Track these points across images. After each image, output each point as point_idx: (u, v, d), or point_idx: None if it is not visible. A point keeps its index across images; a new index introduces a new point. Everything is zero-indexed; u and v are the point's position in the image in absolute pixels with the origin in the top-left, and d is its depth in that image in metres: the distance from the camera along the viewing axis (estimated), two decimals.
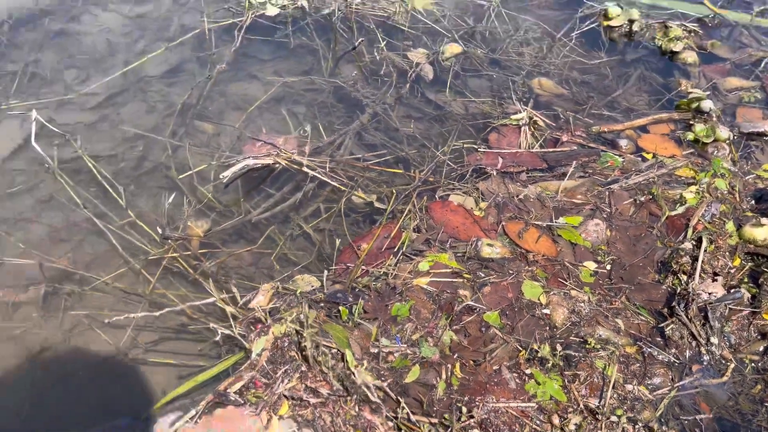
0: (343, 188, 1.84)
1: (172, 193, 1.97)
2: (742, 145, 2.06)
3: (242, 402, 1.29)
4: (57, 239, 1.89)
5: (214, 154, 2.06)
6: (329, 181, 1.83)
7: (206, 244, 1.76)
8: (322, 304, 1.51)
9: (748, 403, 1.41)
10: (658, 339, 1.52)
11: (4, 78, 2.35)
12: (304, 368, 1.33)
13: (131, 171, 2.07)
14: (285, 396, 1.28)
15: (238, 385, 1.32)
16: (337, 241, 1.68)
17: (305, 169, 1.84)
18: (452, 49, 2.35)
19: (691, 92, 2.20)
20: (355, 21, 2.48)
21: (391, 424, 1.28)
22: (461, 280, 1.61)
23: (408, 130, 2.11)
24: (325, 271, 1.57)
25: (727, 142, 2.04)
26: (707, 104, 2.13)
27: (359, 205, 1.86)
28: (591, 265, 1.68)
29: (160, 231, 1.65)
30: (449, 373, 1.41)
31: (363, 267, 1.61)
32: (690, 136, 2.06)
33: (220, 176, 1.79)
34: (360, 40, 2.31)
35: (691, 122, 2.11)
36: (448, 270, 1.62)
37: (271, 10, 2.42)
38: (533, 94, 2.26)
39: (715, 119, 2.12)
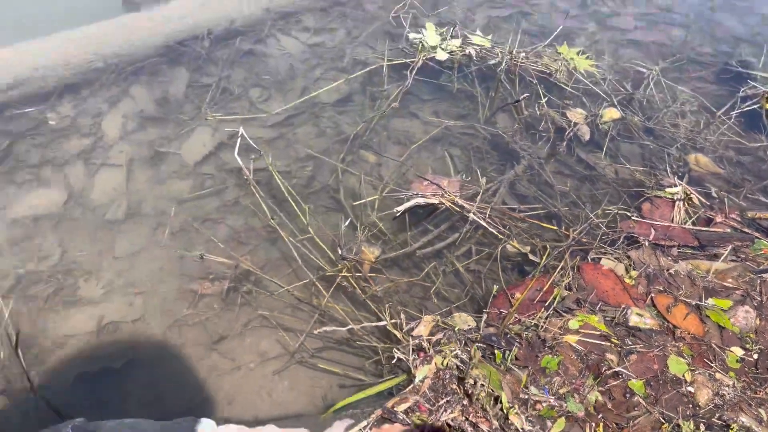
0: (499, 236, 1.98)
1: (338, 214, 2.19)
2: None
3: (408, 422, 1.44)
4: (237, 241, 2.14)
5: (378, 185, 2.25)
6: (488, 227, 1.97)
7: (374, 268, 1.94)
8: (477, 344, 1.65)
9: None
10: None
11: (200, 89, 2.67)
12: (465, 402, 1.48)
13: (302, 188, 2.31)
14: (448, 424, 1.43)
15: (404, 406, 1.48)
16: (494, 287, 1.81)
17: (466, 213, 1.99)
18: (610, 113, 2.44)
19: None
20: (518, 74, 2.62)
21: None
22: (609, 344, 1.70)
23: (563, 188, 2.21)
24: (484, 315, 1.71)
25: None
26: None
27: (511, 254, 1.99)
28: (738, 351, 1.72)
29: (339, 251, 1.85)
30: (595, 426, 1.51)
31: (516, 315, 1.74)
32: None
33: (394, 210, 1.97)
34: (525, 95, 2.45)
35: None
36: (597, 332, 1.72)
37: (441, 55, 2.60)
38: (688, 169, 2.31)
39: None
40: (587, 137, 2.39)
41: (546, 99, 2.49)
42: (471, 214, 1.95)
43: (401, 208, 1.95)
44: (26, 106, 2.47)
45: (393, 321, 1.67)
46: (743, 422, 1.55)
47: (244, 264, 2.00)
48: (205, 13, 2.83)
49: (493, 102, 2.60)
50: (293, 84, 2.72)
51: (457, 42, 2.66)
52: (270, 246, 2.13)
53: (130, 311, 1.95)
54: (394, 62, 2.70)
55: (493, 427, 1.43)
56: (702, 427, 1.53)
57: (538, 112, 2.47)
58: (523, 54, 2.61)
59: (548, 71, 2.58)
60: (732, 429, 1.53)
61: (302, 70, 2.80)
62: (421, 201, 1.97)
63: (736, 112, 2.53)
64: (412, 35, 2.71)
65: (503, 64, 2.58)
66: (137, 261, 2.07)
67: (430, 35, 2.66)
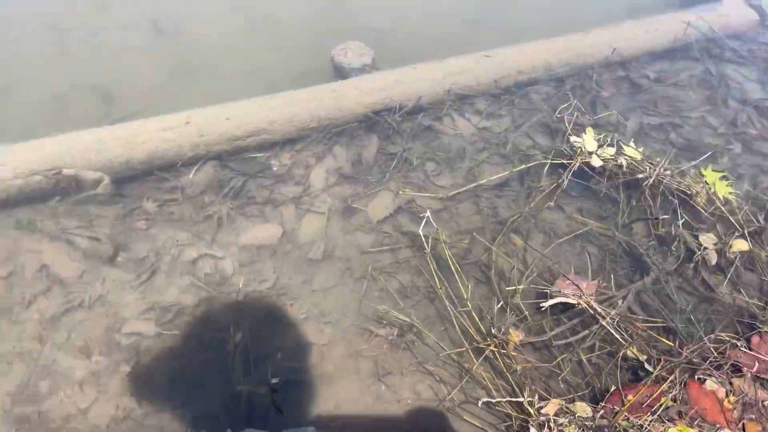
0: (623, 341, 2.41)
1: (485, 286, 2.70)
2: None
3: None
4: (403, 294, 2.71)
5: (524, 271, 2.74)
6: (615, 333, 2.41)
7: (515, 348, 2.45)
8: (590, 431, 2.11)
9: None
10: None
11: (386, 156, 3.26)
12: None
13: (459, 258, 2.83)
14: None
15: None
16: (611, 386, 2.26)
17: (599, 316, 2.44)
18: (739, 245, 2.77)
19: None
20: (661, 191, 3.00)
21: None
22: None
23: (683, 306, 2.60)
24: (600, 409, 2.16)
25: None
26: None
27: (629, 358, 2.42)
28: None
29: (492, 330, 2.37)
30: None
31: (626, 414, 2.18)
32: None
33: (541, 304, 2.46)
34: (664, 216, 2.84)
35: None
36: None
37: (596, 161, 3.03)
38: None
39: None
40: (713, 262, 2.74)
41: (683, 220, 2.85)
42: (603, 321, 2.39)
43: (547, 304, 2.43)
44: (258, 152, 3.17)
45: (529, 399, 2.16)
46: None
47: (410, 319, 2.56)
48: (399, 88, 3.41)
49: (632, 211, 3.00)
50: (461, 163, 3.25)
51: (612, 150, 3.07)
52: (429, 304, 2.68)
53: (321, 336, 2.56)
54: (554, 161, 3.15)
55: None
56: None
57: (673, 231, 2.85)
58: (668, 172, 2.99)
59: (689, 192, 2.94)
60: None
61: (470, 151, 3.33)
62: (561, 299, 2.43)
63: None
64: (573, 138, 3.15)
65: (650, 179, 2.96)
66: (328, 296, 2.69)
67: (588, 140, 3.09)
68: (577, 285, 2.53)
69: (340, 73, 3.58)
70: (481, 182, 3.09)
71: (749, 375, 2.33)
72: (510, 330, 2.42)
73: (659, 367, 2.33)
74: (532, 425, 2.08)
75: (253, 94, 3.25)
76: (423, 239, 2.69)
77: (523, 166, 3.17)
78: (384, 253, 2.86)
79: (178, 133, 3.01)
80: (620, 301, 2.56)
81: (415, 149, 3.32)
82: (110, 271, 2.67)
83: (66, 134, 2.93)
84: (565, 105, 3.50)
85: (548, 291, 2.53)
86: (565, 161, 3.14)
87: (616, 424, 2.14)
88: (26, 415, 2.25)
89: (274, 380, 2.34)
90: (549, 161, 3.15)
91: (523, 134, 3.42)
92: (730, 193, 2.97)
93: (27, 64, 3.72)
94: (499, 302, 2.57)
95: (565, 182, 3.04)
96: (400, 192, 3.04)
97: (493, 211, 3.06)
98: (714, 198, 2.94)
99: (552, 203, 3.02)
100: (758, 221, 2.90)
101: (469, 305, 2.54)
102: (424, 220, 2.66)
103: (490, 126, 3.46)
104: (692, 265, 2.76)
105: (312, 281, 2.74)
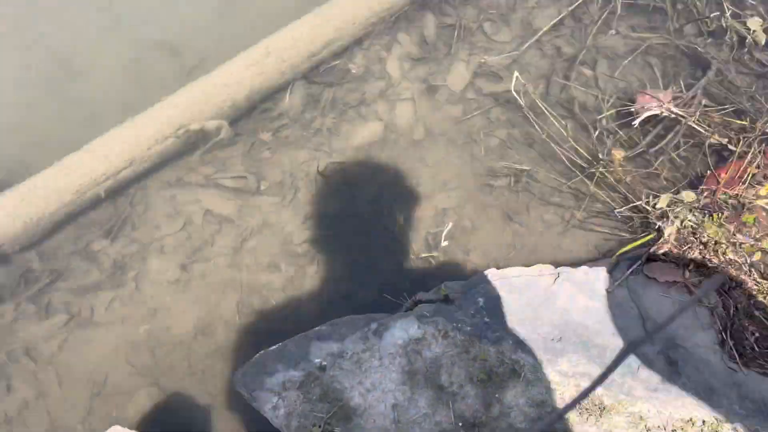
0: (705, 132, 2.86)
1: (572, 120, 3.12)
2: None
3: (665, 260, 2.50)
4: (506, 147, 3.15)
5: (601, 97, 3.14)
6: (699, 128, 2.85)
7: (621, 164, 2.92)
8: (700, 210, 2.64)
9: None
10: None
11: (446, 29, 3.54)
12: (700, 247, 2.50)
13: (541, 102, 3.23)
14: (692, 259, 2.47)
15: (661, 251, 2.53)
16: (707, 172, 2.75)
17: (682, 119, 2.88)
18: None
19: None
20: None
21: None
22: None
23: (747, 88, 3.00)
24: (701, 194, 2.67)
25: None
26: None
27: (712, 144, 2.88)
28: None
29: (600, 155, 2.83)
30: None
31: (723, 188, 2.69)
32: None
33: (633, 123, 2.89)
34: (713, 14, 3.15)
35: None
36: None
37: None
38: None
39: None
40: (763, 42, 3.09)
41: (730, 12, 3.16)
42: (686, 121, 2.83)
43: (638, 120, 2.86)
44: (334, 60, 3.48)
45: (645, 201, 2.68)
46: None
47: (519, 167, 3.03)
48: None
49: (679, 15, 3.30)
50: (515, 14, 3.53)
51: None
52: (530, 149, 3.13)
53: (449, 201, 3.07)
54: None
55: (720, 260, 2.46)
56: None
57: (723, 23, 3.17)
58: None
59: None
60: None
61: (519, 0, 3.58)
62: (648, 112, 2.86)
63: None
64: None
65: None
66: (443, 167, 3.15)
67: None
68: (655, 97, 2.93)
69: None
70: (544, 30, 3.38)
71: None
72: (612, 151, 2.88)
73: (740, 144, 2.79)
74: (651, 219, 2.61)
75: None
76: (516, 94, 3.07)
77: (575, 5, 3.42)
78: (475, 118, 3.26)
79: (263, 65, 3.32)
80: (694, 99, 2.97)
81: (468, 14, 3.58)
82: (261, 199, 3.15)
83: (170, 96, 3.26)
84: None
85: (633, 109, 2.94)
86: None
87: (717, 200, 2.65)
88: (253, 322, 2.85)
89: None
90: None
91: None
92: None
93: (90, 39, 3.94)
94: (595, 130, 3.00)
95: (619, 6, 3.32)
96: (482, 60, 3.36)
97: (557, 51, 3.39)
98: None
99: (614, 31, 3.33)
100: None
101: (570, 140, 2.98)
102: (514, 79, 3.01)
103: None
104: (745, 50, 3.12)
105: (425, 159, 3.18)
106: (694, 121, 2.83)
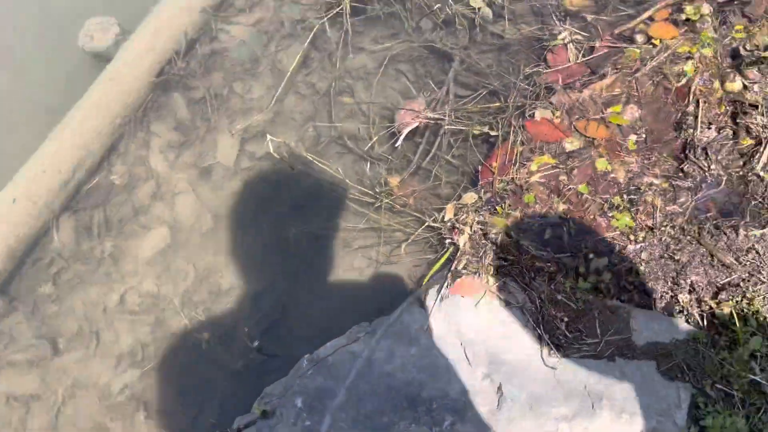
0: (465, 127, 2.88)
1: (349, 155, 3.06)
2: (720, 14, 2.93)
3: (468, 272, 2.49)
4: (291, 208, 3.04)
5: (371, 123, 3.09)
6: (456, 125, 2.87)
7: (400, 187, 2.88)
8: (484, 209, 2.65)
9: (736, 195, 2.52)
10: (680, 174, 2.61)
11: (198, 104, 3.35)
12: (493, 248, 2.51)
13: (313, 147, 3.14)
14: (489, 264, 2.48)
15: (462, 264, 2.52)
16: (479, 166, 2.77)
17: (440, 122, 2.88)
18: None
19: None
20: None
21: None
22: (558, 169, 2.70)
23: (487, 66, 3.06)
24: (481, 191, 2.68)
25: (709, 15, 2.92)
26: None
27: (479, 135, 2.91)
28: (633, 138, 2.72)
29: (376, 189, 2.78)
30: (569, 227, 2.56)
31: (498, 178, 2.72)
32: (683, 16, 2.94)
33: (395, 145, 2.85)
34: (437, 6, 3.18)
35: (682, 5, 2.98)
36: (549, 165, 2.71)
37: None
38: (567, 12, 3.13)
39: None
40: (491, 16, 3.16)
41: (449, 3, 3.21)
42: (445, 124, 2.84)
43: (399, 141, 2.83)
44: (92, 179, 3.20)
45: (432, 218, 2.65)
46: (646, 181, 2.61)
47: (313, 229, 2.92)
48: (162, 38, 3.39)
49: (412, 14, 3.31)
50: (260, 66, 3.40)
51: None
52: (318, 200, 3.03)
53: (257, 285, 2.91)
54: (330, 15, 3.34)
55: (513, 256, 2.48)
56: (625, 197, 2.58)
57: (450, 12, 3.21)
58: None
59: None
60: (642, 188, 2.58)
61: (259, 48, 3.45)
62: (407, 129, 2.83)
63: None
64: None
65: None
66: (240, 252, 2.99)
67: None
68: (411, 109, 2.91)
69: (103, 57, 3.46)
70: (289, 72, 3.27)
71: (560, 88, 2.88)
72: (388, 178, 2.84)
73: (500, 127, 2.83)
74: (444, 234, 2.59)
75: None
76: (277, 155, 2.94)
77: (310, 34, 3.34)
78: (257, 186, 3.11)
79: (12, 215, 2.99)
80: (448, 96, 2.98)
81: (214, 81, 3.41)
82: (63, 360, 2.84)
83: None
84: None
85: (396, 128, 2.91)
86: (337, 10, 3.33)
87: (497, 190, 2.68)
88: None
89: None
90: (324, 18, 3.34)
91: (293, 2, 3.54)
92: None
93: None
94: (367, 162, 2.94)
95: (348, 26, 3.27)
96: (233, 132, 3.20)
97: (313, 88, 3.30)
98: None
99: (351, 55, 3.28)
100: None
101: (348, 180, 2.90)
102: (267, 142, 2.88)
103: (261, 17, 3.54)
104: (477, 29, 3.18)
105: (221, 248, 3.00)
106: (451, 121, 2.83)
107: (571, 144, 2.73)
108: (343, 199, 2.91)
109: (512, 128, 2.81)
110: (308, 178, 3.01)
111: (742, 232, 2.40)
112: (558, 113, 2.82)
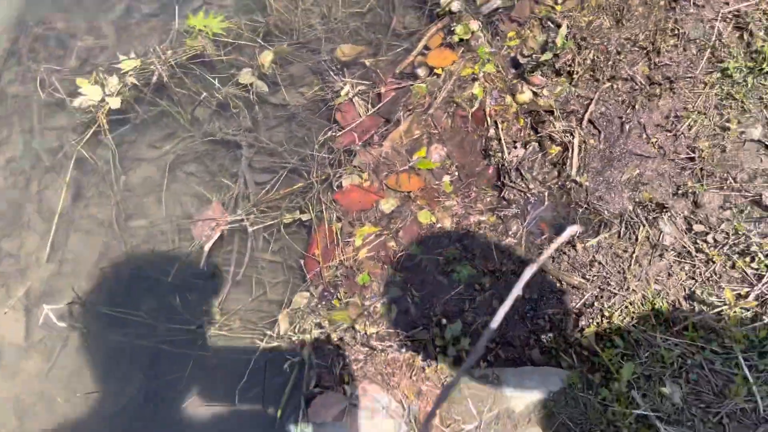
0: (274, 220, 2.57)
1: (163, 293, 2.64)
2: (490, 26, 2.87)
3: (323, 388, 2.18)
4: None
5: (174, 246, 2.69)
6: (265, 220, 2.55)
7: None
8: (320, 305, 2.35)
9: (562, 207, 2.43)
10: (504, 203, 2.48)
11: None
12: (341, 351, 2.22)
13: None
14: (342, 371, 2.18)
15: (312, 382, 2.20)
16: (302, 256, 2.46)
17: (243, 225, 2.55)
18: (266, 57, 2.91)
19: None
20: (179, 76, 2.95)
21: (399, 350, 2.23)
22: (384, 236, 2.46)
23: (280, 142, 2.77)
24: (311, 286, 2.38)
25: (480, 30, 2.84)
26: (456, 5, 2.88)
27: (291, 223, 2.61)
28: (447, 179, 2.56)
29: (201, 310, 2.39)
30: (413, 296, 2.33)
31: (325, 265, 2.43)
32: (456, 38, 2.84)
33: (202, 266, 2.47)
34: (204, 94, 2.84)
35: (452, 26, 2.88)
36: (373, 234, 2.47)
37: (115, 103, 2.84)
38: (342, 63, 2.92)
39: (464, 14, 2.89)
40: (266, 88, 2.88)
41: (216, 78, 2.88)
42: (247, 224, 2.50)
43: (202, 262, 2.45)
44: None
45: (266, 338, 2.31)
46: (474, 220, 2.44)
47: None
48: None
49: (184, 107, 2.95)
50: (24, 212, 2.87)
51: (114, 79, 2.88)
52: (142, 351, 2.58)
53: None
54: (88, 135, 2.89)
55: (365, 349, 2.20)
56: (458, 245, 2.40)
57: (222, 96, 2.89)
58: (170, 52, 2.91)
59: (200, 53, 2.93)
60: (470, 230, 2.42)
61: (19, 192, 2.92)
62: (209, 243, 2.47)
63: None
64: (76, 102, 2.87)
65: (163, 76, 2.88)
66: None
67: (90, 91, 2.85)
68: (207, 219, 2.55)
69: None
70: (58, 210, 2.77)
71: (358, 147, 2.65)
72: (205, 306, 2.45)
73: (310, 207, 2.55)
74: (285, 351, 2.26)
75: None
76: (66, 325, 2.45)
77: (71, 162, 2.86)
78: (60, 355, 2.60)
79: None
80: (245, 190, 2.65)
81: None
82: None
83: None
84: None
85: (197, 245, 2.53)
86: (94, 128, 2.89)
87: (328, 279, 2.39)
88: None
89: None
90: (83, 141, 2.88)
91: (37, 133, 3.03)
92: (223, 20, 2.99)
93: None
94: (175, 294, 2.54)
95: (111, 143, 2.84)
96: (9, 306, 2.66)
97: (95, 221, 2.83)
98: (211, 39, 2.95)
99: (124, 176, 2.85)
100: (258, 22, 3.02)
101: (157, 325, 2.48)
102: (45, 313, 2.38)
103: (11, 156, 3.00)
104: (257, 106, 2.88)
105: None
106: (255, 218, 2.51)
107: (388, 204, 2.51)
108: (156, 348, 2.48)
109: (323, 206, 2.54)
110: (114, 331, 2.54)
111: (579, 246, 2.30)
112: (365, 176, 2.59)
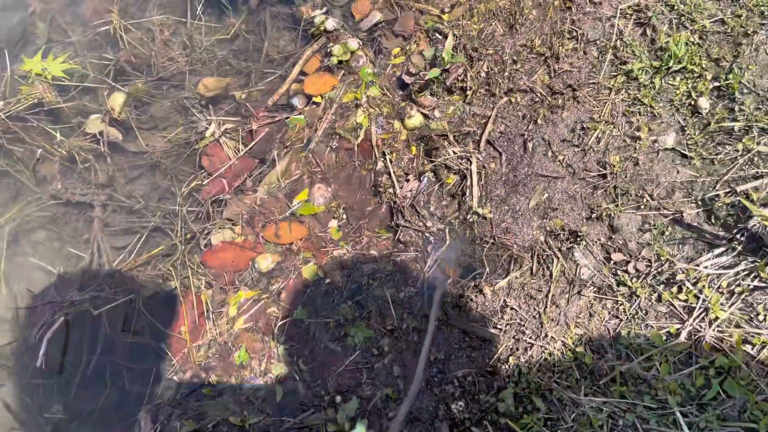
0: (132, 294, 2.14)
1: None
2: (372, 42, 2.53)
3: None
4: None
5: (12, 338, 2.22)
6: (120, 293, 2.12)
7: None
8: (190, 400, 1.94)
9: (467, 244, 2.10)
10: (401, 245, 2.13)
11: None
12: None
13: None
14: None
15: None
16: (162, 344, 2.05)
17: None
18: (116, 100, 2.49)
19: (314, 15, 2.57)
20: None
21: None
22: (263, 300, 2.08)
23: (140, 197, 2.35)
24: (178, 371, 1.96)
25: (360, 49, 2.50)
26: (330, 23, 2.54)
27: (154, 295, 2.19)
28: (334, 224, 2.20)
29: None
30: (301, 371, 1.95)
31: (194, 346, 2.02)
32: (334, 60, 2.49)
33: (39, 365, 2.02)
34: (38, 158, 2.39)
35: (329, 47, 2.53)
36: (251, 300, 2.08)
37: None
38: (205, 98, 2.53)
39: (342, 32, 2.55)
40: (120, 136, 2.46)
41: (58, 130, 2.44)
42: (92, 311, 2.07)
43: (39, 360, 2.00)
44: None
45: None
46: (367, 270, 2.08)
47: None
48: None
49: (27, 163, 2.49)
50: None
51: None
52: None
53: None
54: None
55: None
56: (351, 304, 2.03)
57: (65, 151, 2.44)
58: (1, 104, 2.46)
59: (40, 101, 2.49)
60: (363, 284, 2.05)
61: None
62: (50, 332, 2.02)
63: (199, 8, 2.69)
64: None
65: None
66: None
67: None
68: (48, 302, 2.10)
69: None
70: None
71: (228, 196, 2.27)
72: None
73: (174, 273, 2.14)
74: None
75: None
76: None
77: None
78: None
79: None
80: (98, 260, 2.22)
81: None
82: None
83: None
84: None
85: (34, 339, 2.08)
86: None
87: (198, 366, 1.98)
88: None
89: None
90: None
91: None
92: (67, 61, 2.56)
93: None
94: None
95: None
96: None
97: None
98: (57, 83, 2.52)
99: None
100: (108, 59, 2.60)
101: None
102: None
103: None
104: (108, 158, 2.45)
105: None
106: (108, 295, 2.08)
107: (266, 261, 2.13)
108: None
109: (190, 270, 2.13)
110: None
111: (487, 290, 1.97)
112: (238, 229, 2.21)
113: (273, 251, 2.15)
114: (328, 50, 2.51)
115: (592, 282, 1.89)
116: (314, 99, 2.43)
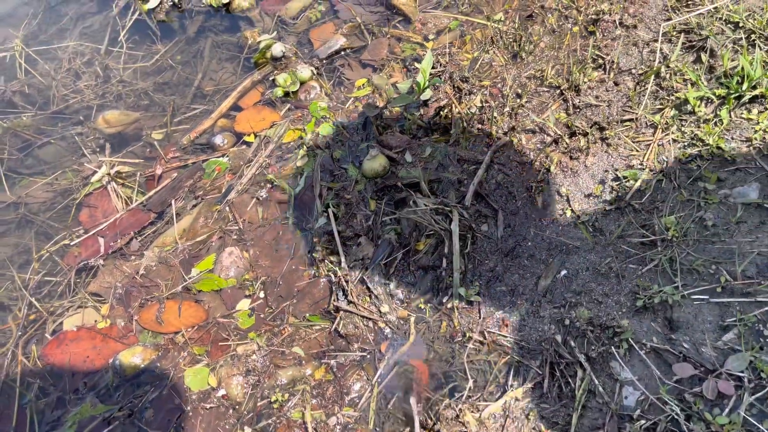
0: None
1: None
2: (331, 72, 1.93)
3: None
4: None
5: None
6: None
7: None
8: None
9: (443, 344, 1.35)
10: (340, 340, 1.39)
11: None
12: None
13: None
14: None
15: None
16: None
17: None
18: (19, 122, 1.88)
19: (260, 41, 1.99)
20: None
21: None
22: (114, 425, 1.31)
23: None
24: None
25: (314, 78, 1.90)
26: (278, 49, 1.95)
27: None
28: (245, 304, 1.47)
29: None
30: None
31: None
32: (279, 91, 1.88)
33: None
34: None
35: (273, 76, 1.93)
36: (95, 420, 1.31)
37: None
38: (104, 136, 1.90)
39: (293, 59, 1.96)
40: None
41: None
42: None
43: None
44: None
45: None
46: (283, 381, 1.32)
47: None
48: None
49: None
50: None
51: None
52: None
53: None
54: None
55: None
56: (247, 425, 1.26)
57: None
58: None
59: None
60: (276, 401, 1.29)
61: None
62: None
63: (123, 35, 2.15)
64: None
65: None
66: None
67: None
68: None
69: None
70: None
71: (102, 262, 1.57)
72: None
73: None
74: None
75: None
76: None
77: None
78: None
79: None
80: None
81: None
82: None
83: None
84: None
85: None
86: None
87: None
88: None
89: None
90: None
91: None
92: None
93: None
94: None
95: None
96: None
97: None
98: None
99: None
100: None
101: None
102: None
103: None
104: None
105: None
106: None
107: (135, 359, 1.38)
108: None
109: (18, 370, 1.39)
110: None
111: (470, 417, 1.19)
112: (104, 310, 1.48)
113: (149, 343, 1.41)
114: (273, 80, 1.90)
115: (642, 413, 1.12)
116: (245, 138, 1.79)
